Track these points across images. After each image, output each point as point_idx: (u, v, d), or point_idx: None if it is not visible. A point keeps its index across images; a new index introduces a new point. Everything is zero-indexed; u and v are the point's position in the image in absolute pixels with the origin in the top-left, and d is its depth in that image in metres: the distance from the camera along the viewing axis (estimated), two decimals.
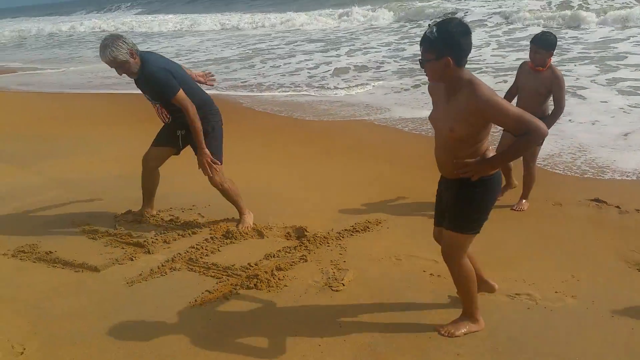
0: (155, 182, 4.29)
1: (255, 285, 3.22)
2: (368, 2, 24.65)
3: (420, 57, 2.35)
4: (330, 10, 25.38)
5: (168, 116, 3.94)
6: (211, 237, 3.92)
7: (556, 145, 5.89)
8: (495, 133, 5.12)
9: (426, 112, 7.57)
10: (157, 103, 3.88)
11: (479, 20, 17.47)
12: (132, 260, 3.58)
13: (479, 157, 2.41)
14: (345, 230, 4.04)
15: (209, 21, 27.49)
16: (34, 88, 12.03)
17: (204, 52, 17.74)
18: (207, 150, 3.85)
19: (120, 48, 3.56)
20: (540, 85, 4.06)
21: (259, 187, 5.08)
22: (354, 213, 4.38)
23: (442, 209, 2.67)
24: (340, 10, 23.98)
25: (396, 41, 15.80)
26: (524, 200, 4.35)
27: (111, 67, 3.68)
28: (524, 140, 2.28)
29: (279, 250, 3.70)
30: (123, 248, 3.77)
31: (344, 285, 3.22)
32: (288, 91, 10.14)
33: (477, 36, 15.03)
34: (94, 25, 32.69)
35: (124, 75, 3.75)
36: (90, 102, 10.09)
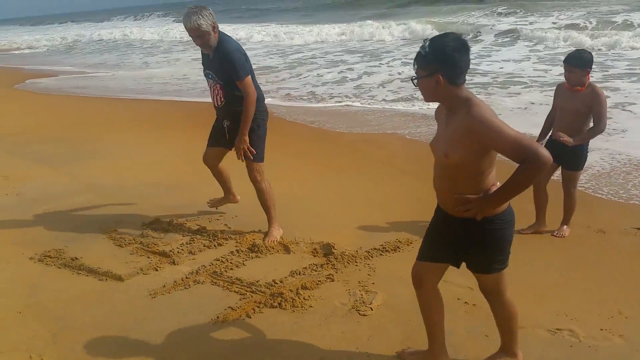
0: (225, 176, 4.36)
1: (279, 304, 3.10)
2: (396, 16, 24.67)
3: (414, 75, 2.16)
4: (360, 22, 25.26)
5: (223, 100, 3.90)
6: (237, 250, 3.83)
7: (607, 163, 5.61)
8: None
9: None
10: (220, 83, 3.84)
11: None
12: (156, 270, 3.52)
13: (482, 193, 2.15)
14: (375, 249, 3.89)
15: (241, 32, 27.63)
16: (80, 91, 12.30)
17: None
18: (247, 138, 3.83)
19: (207, 18, 3.59)
20: (580, 104, 3.82)
21: (287, 200, 4.97)
22: (384, 231, 4.23)
23: (452, 247, 2.38)
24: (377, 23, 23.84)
25: None
26: (565, 226, 4.10)
27: (191, 35, 3.69)
28: (522, 169, 1.98)
29: (305, 268, 3.58)
30: (149, 257, 3.72)
31: (372, 309, 3.07)
32: (331, 102, 10.06)
33: (518, 51, 14.74)
34: (138, 33, 33.34)
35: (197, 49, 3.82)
36: (131, 107, 10.21)
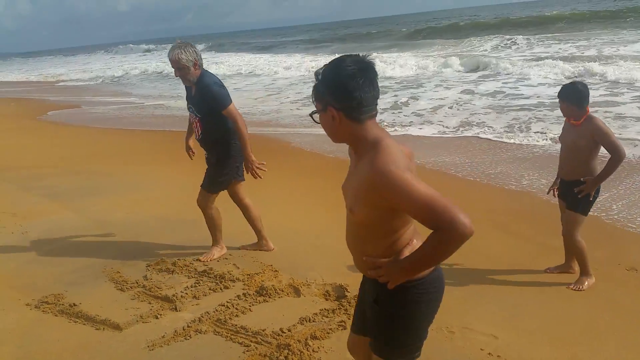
0: (254, 215, 4.36)
1: (285, 357, 2.85)
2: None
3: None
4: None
5: (200, 132, 4.04)
6: (244, 294, 3.60)
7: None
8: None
9: (479, 158, 7.18)
10: (198, 116, 3.99)
11: None
12: (157, 318, 3.31)
13: (394, 256, 1.75)
14: None
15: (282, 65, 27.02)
16: (97, 124, 12.40)
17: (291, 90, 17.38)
18: (253, 158, 4.00)
19: (188, 54, 3.77)
20: (576, 136, 3.49)
21: (300, 236, 4.75)
22: None
23: (363, 311, 1.99)
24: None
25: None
26: (584, 277, 3.62)
27: (172, 66, 3.88)
28: (433, 239, 1.57)
29: (316, 314, 3.33)
30: (150, 303, 3.51)
31: None
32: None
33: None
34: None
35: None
36: (148, 138, 10.19)
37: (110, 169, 7.49)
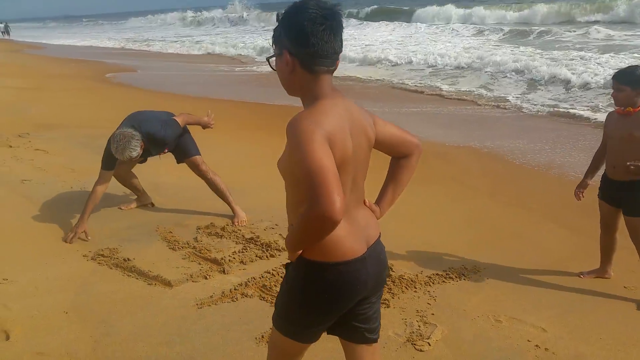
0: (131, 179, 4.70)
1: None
2: None
3: None
4: None
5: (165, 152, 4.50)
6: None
7: None
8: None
9: (540, 144, 6.94)
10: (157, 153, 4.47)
11: None
12: (206, 278, 3.43)
13: None
14: (437, 274, 3.61)
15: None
16: (154, 86, 12.75)
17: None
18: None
19: (135, 149, 4.04)
20: (634, 127, 3.16)
21: None
22: (448, 255, 3.93)
23: None
24: None
25: None
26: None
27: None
28: (300, 216, 1.45)
29: None
30: (200, 264, 3.65)
31: (429, 344, 2.80)
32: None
33: None
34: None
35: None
36: (210, 106, 10.40)
37: None
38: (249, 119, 8.95)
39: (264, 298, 3.22)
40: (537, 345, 2.83)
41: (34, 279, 3.29)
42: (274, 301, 3.17)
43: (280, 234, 4.20)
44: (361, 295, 1.67)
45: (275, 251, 3.87)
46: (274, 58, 1.62)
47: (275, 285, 3.36)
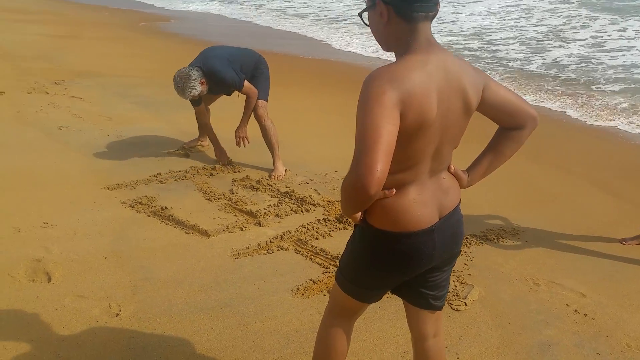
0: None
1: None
2: None
3: None
4: None
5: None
6: (324, 219, 3.66)
7: None
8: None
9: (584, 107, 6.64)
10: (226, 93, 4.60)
11: None
12: (242, 230, 3.44)
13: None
14: (474, 235, 3.55)
15: None
16: (198, 36, 12.62)
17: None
18: (246, 128, 4.47)
19: (195, 87, 4.13)
20: None
21: None
22: (487, 217, 3.85)
23: None
24: None
25: None
26: None
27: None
28: (342, 184, 1.38)
29: None
30: (236, 215, 3.65)
31: (466, 305, 2.77)
32: None
33: None
34: None
35: None
36: None
37: None
38: (286, 73, 8.83)
39: (299, 252, 3.22)
40: (575, 310, 2.77)
41: (73, 224, 3.34)
42: (308, 255, 3.19)
43: (315, 189, 4.17)
44: (428, 266, 1.59)
45: (310, 206, 3.84)
46: (366, 13, 1.50)
47: (310, 240, 3.35)
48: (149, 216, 3.55)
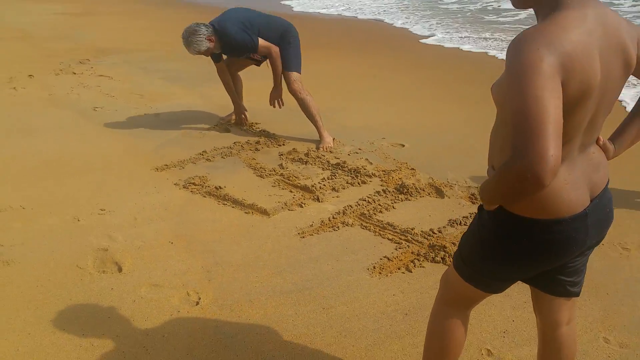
0: (240, 84, 4.78)
1: (442, 259, 2.74)
2: None
3: None
4: None
5: (259, 58, 4.39)
6: (383, 190, 3.48)
7: None
8: None
9: None
10: (245, 56, 4.40)
11: None
12: (301, 207, 3.28)
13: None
14: None
15: None
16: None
17: None
18: (281, 89, 4.32)
19: (200, 42, 4.02)
20: None
21: (429, 133, 4.51)
22: None
23: None
24: None
25: None
26: None
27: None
28: (502, 167, 1.15)
29: (465, 217, 3.16)
30: (291, 191, 3.49)
31: None
32: None
33: None
34: None
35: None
36: None
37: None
38: (328, 37, 8.52)
39: (365, 227, 3.05)
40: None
41: (131, 209, 3.20)
42: (376, 230, 3.03)
43: (367, 159, 3.98)
44: (575, 254, 1.39)
45: (365, 177, 3.66)
46: None
47: (374, 214, 3.19)
48: (204, 197, 3.39)
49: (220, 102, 5.22)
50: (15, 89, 5.76)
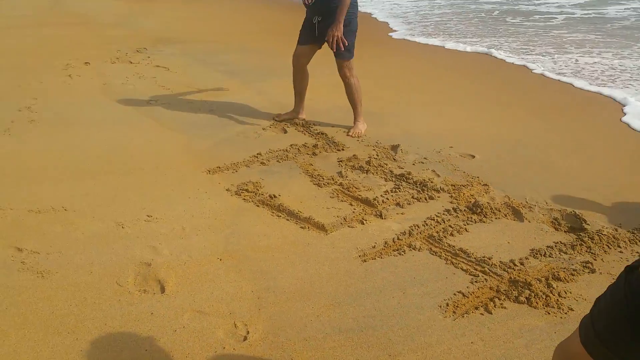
0: (306, 82, 4.37)
1: (527, 299, 2.31)
2: None
3: None
4: None
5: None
6: (453, 209, 3.06)
7: None
8: None
9: None
10: None
11: None
12: (362, 224, 2.91)
13: None
14: (603, 230, 2.86)
15: None
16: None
17: None
18: (342, 26, 3.87)
19: None
20: None
21: (503, 143, 4.03)
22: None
23: None
24: None
25: None
26: None
27: None
28: None
29: (550, 247, 2.70)
30: (351, 204, 3.12)
31: None
32: None
33: None
34: None
35: None
36: None
37: (281, 49, 7.10)
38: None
39: (435, 252, 2.66)
40: None
41: (179, 217, 2.93)
42: (447, 257, 2.62)
43: (434, 170, 3.57)
44: None
45: (432, 192, 3.26)
46: None
47: (444, 236, 2.78)
48: (257, 206, 3.08)
49: (278, 99, 4.92)
50: (71, 77, 5.66)
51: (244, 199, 3.15)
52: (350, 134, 4.15)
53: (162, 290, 2.32)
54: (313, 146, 3.95)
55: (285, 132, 4.27)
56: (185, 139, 4.08)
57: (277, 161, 3.71)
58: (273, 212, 3.01)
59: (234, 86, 5.48)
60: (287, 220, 2.94)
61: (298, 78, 4.33)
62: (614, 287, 1.12)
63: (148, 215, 2.92)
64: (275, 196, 3.16)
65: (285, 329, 2.11)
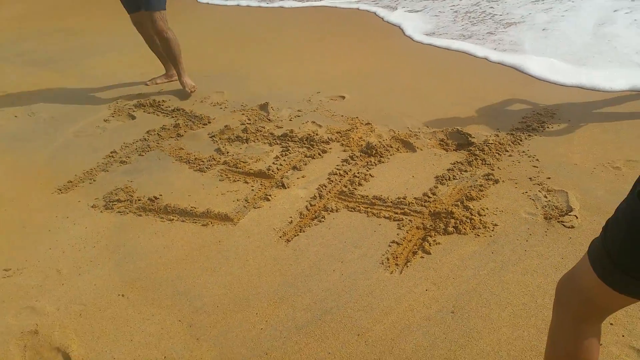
0: (158, 46, 4.04)
1: (455, 228, 2.28)
2: None
3: None
4: None
5: None
6: (350, 157, 2.91)
7: None
8: None
9: None
10: None
11: None
12: (268, 200, 2.61)
13: None
14: (516, 129, 3.02)
15: None
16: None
17: None
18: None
19: None
20: None
21: (364, 78, 3.96)
22: (513, 104, 3.31)
23: None
24: None
25: None
26: None
27: None
28: None
29: (450, 170, 2.71)
30: (246, 182, 2.78)
31: (577, 217, 2.27)
32: None
33: None
34: None
35: None
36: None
37: (84, 26, 6.08)
38: None
39: (353, 208, 2.48)
40: None
41: (47, 259, 2.30)
42: (366, 209, 2.48)
43: (314, 122, 3.35)
44: None
45: (322, 144, 3.06)
46: None
47: (354, 189, 2.62)
48: (139, 215, 2.57)
49: (107, 80, 4.18)
50: None
51: (119, 212, 2.60)
52: (189, 90, 3.85)
53: (68, 358, 1.80)
54: (174, 127, 3.45)
55: (133, 117, 3.66)
56: (10, 158, 3.25)
57: (140, 155, 3.15)
58: (162, 217, 2.54)
59: (47, 77, 4.53)
60: (183, 221, 2.50)
61: (149, 43, 3.98)
62: (626, 210, 1.02)
63: (5, 270, 2.25)
64: (156, 198, 2.67)
65: (237, 350, 1.78)
